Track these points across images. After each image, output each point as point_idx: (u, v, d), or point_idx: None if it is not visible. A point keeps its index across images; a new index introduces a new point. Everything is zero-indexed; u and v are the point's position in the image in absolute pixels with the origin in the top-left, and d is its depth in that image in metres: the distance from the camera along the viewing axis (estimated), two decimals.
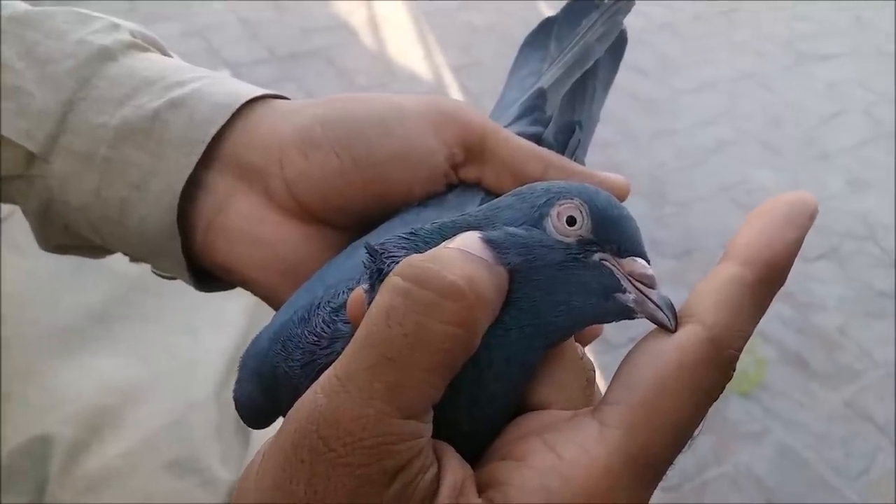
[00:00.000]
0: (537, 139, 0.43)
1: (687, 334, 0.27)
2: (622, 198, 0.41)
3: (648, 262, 0.31)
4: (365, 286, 0.31)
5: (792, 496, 1.62)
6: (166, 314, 0.68)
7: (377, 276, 0.30)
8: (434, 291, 0.25)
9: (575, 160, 0.44)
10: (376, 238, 0.36)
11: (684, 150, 2.53)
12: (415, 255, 0.27)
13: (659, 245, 2.14)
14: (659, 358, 0.27)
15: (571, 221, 0.30)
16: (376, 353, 0.25)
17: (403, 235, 0.32)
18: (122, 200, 0.39)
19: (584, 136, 0.46)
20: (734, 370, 0.27)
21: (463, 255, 0.27)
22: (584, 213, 0.31)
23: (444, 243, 0.29)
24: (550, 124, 0.44)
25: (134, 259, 0.44)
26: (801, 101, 2.84)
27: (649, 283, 0.30)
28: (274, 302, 0.40)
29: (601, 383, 0.31)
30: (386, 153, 0.40)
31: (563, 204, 0.31)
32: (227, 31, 2.87)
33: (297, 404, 0.26)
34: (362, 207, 0.40)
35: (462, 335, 0.26)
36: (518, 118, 0.45)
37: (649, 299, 0.29)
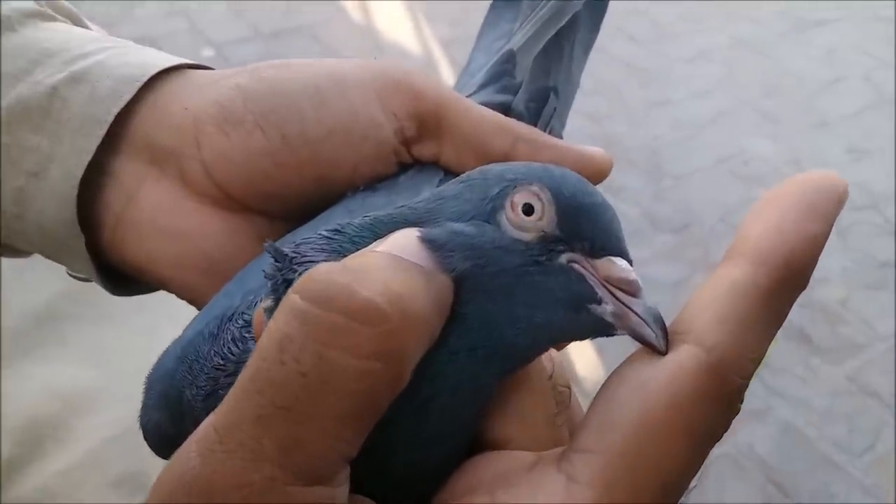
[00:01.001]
0: (505, 109, 0.38)
1: (681, 359, 0.22)
2: (603, 175, 0.37)
3: (630, 262, 0.26)
4: (268, 303, 0.25)
5: (795, 475, 1.60)
6: (122, 313, 0.62)
7: (283, 290, 0.25)
8: (343, 314, 0.20)
9: (550, 132, 0.39)
10: (309, 231, 0.31)
11: (680, 121, 2.49)
12: (324, 263, 0.22)
13: (656, 220, 2.10)
14: (644, 390, 0.22)
15: (529, 210, 0.25)
16: (265, 399, 0.20)
17: (325, 233, 0.27)
18: (18, 191, 0.34)
19: (561, 105, 0.40)
20: (741, 403, 0.22)
21: (391, 261, 0.22)
22: (545, 202, 0.25)
23: (371, 245, 0.24)
24: (520, 91, 0.39)
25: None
26: (799, 68, 2.79)
27: (631, 289, 0.25)
28: (200, 305, 0.35)
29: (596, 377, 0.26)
30: (322, 128, 0.35)
31: (519, 192, 0.26)
32: (211, 10, 2.81)
33: (168, 462, 0.20)
34: (298, 193, 0.35)
35: (383, 371, 0.20)
36: (483, 86, 0.39)
37: (632, 311, 0.24)
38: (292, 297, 0.21)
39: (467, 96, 0.38)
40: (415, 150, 0.37)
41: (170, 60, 0.36)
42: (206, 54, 2.54)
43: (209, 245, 0.36)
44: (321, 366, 0.19)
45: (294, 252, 0.26)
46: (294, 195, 0.36)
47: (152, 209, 0.35)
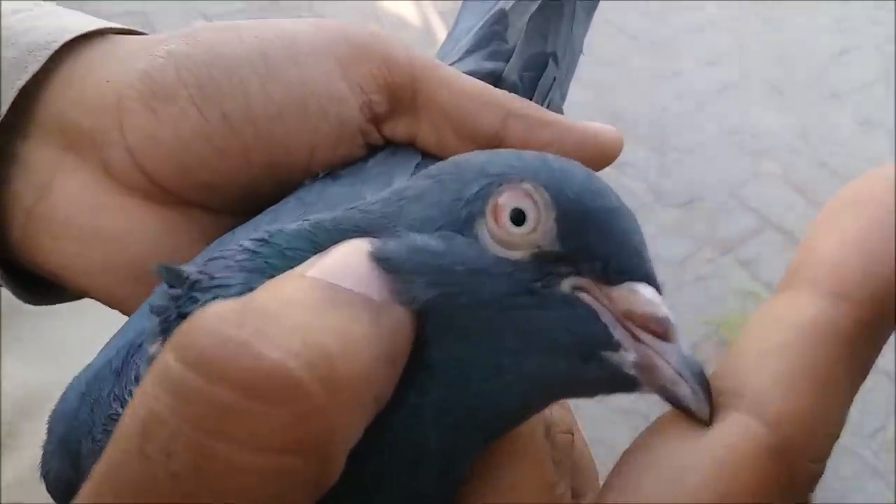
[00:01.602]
0: (495, 78, 0.33)
1: (732, 436, 0.16)
2: (612, 158, 0.31)
3: (659, 289, 0.20)
4: (156, 347, 0.20)
5: None
6: (87, 306, 0.57)
7: (165, 331, 0.20)
8: (237, 388, 0.14)
9: (548, 106, 0.33)
10: (247, 233, 0.25)
11: (686, 93, 2.44)
12: (219, 304, 0.16)
13: (661, 194, 2.06)
14: (681, 485, 0.16)
15: (519, 218, 0.20)
16: None
17: (248, 245, 0.21)
18: None
19: (561, 73, 0.35)
20: (813, 491, 0.16)
21: (321, 294, 0.17)
22: (541, 206, 0.20)
23: (301, 266, 0.18)
24: (513, 57, 0.33)
25: None
26: (808, 38, 2.73)
27: (661, 330, 0.19)
28: None
29: None
30: (271, 104, 0.29)
31: (504, 192, 0.20)
32: None
33: None
34: (245, 183, 0.30)
35: (300, 467, 0.15)
36: (469, 51, 0.34)
37: (663, 361, 0.19)
38: (166, 359, 0.15)
39: (451, 64, 0.33)
40: (386, 128, 0.32)
41: (90, 24, 0.31)
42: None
43: (139, 247, 0.30)
44: (202, 464, 0.14)
45: (200, 273, 0.20)
46: (240, 185, 0.30)
47: (68, 205, 0.30)
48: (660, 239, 1.90)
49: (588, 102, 2.26)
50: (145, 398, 0.15)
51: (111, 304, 0.31)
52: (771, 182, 2.13)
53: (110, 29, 0.31)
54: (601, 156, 0.31)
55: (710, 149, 2.25)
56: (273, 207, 0.29)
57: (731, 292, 1.82)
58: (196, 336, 0.15)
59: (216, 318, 0.16)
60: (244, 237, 0.22)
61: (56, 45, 0.29)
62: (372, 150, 0.32)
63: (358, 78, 0.31)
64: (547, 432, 0.21)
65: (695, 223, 1.98)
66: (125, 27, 0.32)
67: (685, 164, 2.19)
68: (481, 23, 0.34)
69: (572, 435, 0.22)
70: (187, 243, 0.31)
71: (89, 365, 0.26)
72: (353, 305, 0.17)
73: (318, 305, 0.17)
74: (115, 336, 0.27)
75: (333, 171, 0.31)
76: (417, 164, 0.31)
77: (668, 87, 2.47)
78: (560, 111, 0.35)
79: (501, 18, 0.33)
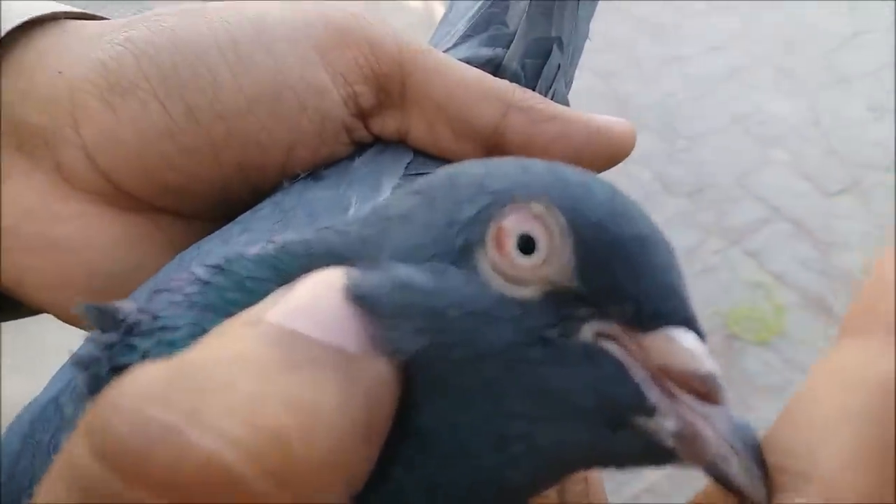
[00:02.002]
0: (495, 66, 0.30)
1: None
2: (624, 155, 0.29)
3: (702, 336, 0.17)
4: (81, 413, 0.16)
5: None
6: None
7: (94, 390, 0.17)
8: (157, 491, 0.12)
9: (553, 97, 0.31)
10: (216, 245, 0.23)
11: (694, 79, 2.41)
12: (146, 369, 0.13)
13: (668, 183, 2.03)
14: None
15: (528, 247, 0.17)
16: None
17: (200, 274, 0.18)
18: None
19: (567, 60, 0.32)
20: None
21: (280, 348, 0.14)
22: (556, 232, 0.17)
23: (260, 305, 0.16)
24: (514, 43, 0.30)
25: None
26: (818, 22, 2.70)
27: (707, 391, 0.16)
28: None
29: None
30: (242, 97, 0.27)
31: (509, 214, 0.17)
32: None
33: None
34: (217, 184, 0.28)
35: None
36: (466, 36, 0.31)
37: (709, 431, 0.16)
38: (74, 447, 0.12)
39: (445, 50, 0.30)
40: (374, 123, 0.29)
41: (41, 7, 0.27)
42: None
43: (100, 259, 0.28)
44: None
45: (140, 312, 0.17)
46: (211, 188, 0.28)
47: (19, 212, 0.27)
48: (667, 229, 1.83)
49: (592, 89, 2.23)
50: (49, 492, 0.12)
51: (71, 321, 0.28)
52: (780, 170, 2.11)
53: (65, 13, 0.29)
54: (612, 152, 0.29)
55: (718, 136, 2.22)
56: (246, 214, 0.27)
57: (739, 283, 1.80)
58: (110, 418, 0.12)
59: (136, 392, 0.13)
60: (210, 252, 0.20)
61: (1, 32, 0.27)
62: (358, 148, 0.29)
63: (340, 67, 0.28)
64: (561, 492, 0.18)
65: (702, 212, 1.95)
66: (82, 11, 0.29)
67: (692, 151, 2.16)
68: (478, 4, 0.31)
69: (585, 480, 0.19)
70: (154, 254, 0.28)
71: (36, 399, 0.24)
72: (321, 363, 0.14)
73: (273, 366, 0.14)
74: (62, 367, 0.25)
75: (315, 171, 0.28)
76: (409, 163, 0.28)
77: (674, 72, 2.44)
78: (566, 102, 0.32)
79: (501, 0, 0.31)
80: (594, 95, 2.19)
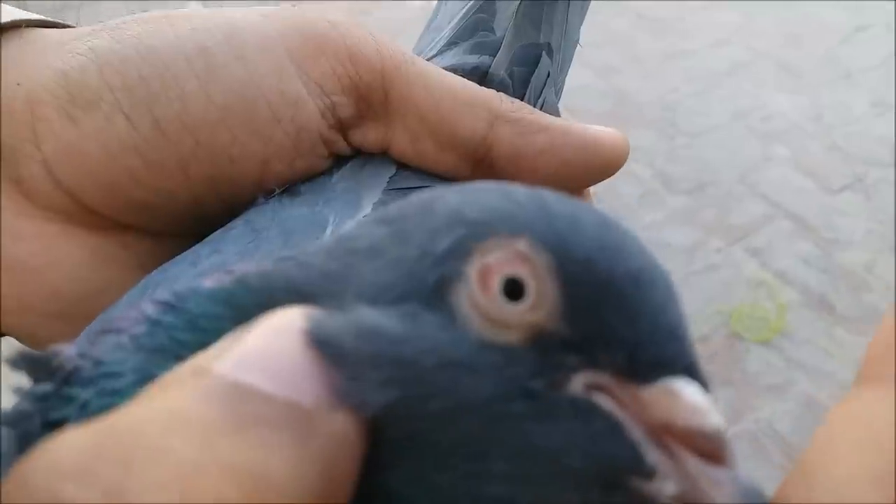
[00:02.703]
0: (481, 75, 0.29)
1: None
2: (616, 168, 0.28)
3: (706, 385, 0.16)
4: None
5: None
6: None
7: (24, 451, 0.15)
8: None
9: (542, 107, 0.30)
10: (183, 268, 0.22)
11: (695, 74, 2.40)
12: (67, 436, 0.12)
13: (669, 180, 2.02)
14: None
15: (514, 290, 0.16)
16: None
17: (149, 312, 0.17)
18: None
19: (556, 68, 0.31)
20: None
21: (227, 405, 0.13)
22: (541, 272, 0.16)
23: (208, 353, 0.14)
24: (501, 50, 0.29)
25: None
26: (821, 16, 2.68)
27: (712, 450, 0.15)
28: None
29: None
30: (213, 108, 0.26)
31: (493, 251, 0.16)
32: None
33: None
34: (187, 201, 0.27)
35: None
36: (452, 44, 0.30)
37: (716, 496, 0.15)
38: None
39: (429, 58, 0.29)
40: (354, 135, 0.28)
41: (2, 15, 0.26)
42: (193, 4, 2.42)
43: (63, 281, 0.27)
44: None
45: (81, 357, 0.16)
46: (181, 204, 0.27)
47: None
48: (667, 227, 1.87)
49: (591, 85, 2.22)
50: None
51: (34, 345, 0.28)
52: (782, 166, 2.10)
53: (26, 21, 0.27)
54: (604, 165, 0.28)
55: (720, 132, 2.21)
56: (216, 234, 0.25)
57: (741, 282, 1.78)
58: (21, 497, 0.11)
59: (50, 466, 0.11)
60: (175, 274, 0.19)
61: None
62: (337, 162, 0.28)
63: (317, 76, 0.27)
64: None
65: (704, 210, 1.94)
66: (45, 19, 0.28)
67: (694, 148, 2.15)
68: (464, 10, 0.30)
69: None
70: (121, 275, 0.27)
71: None
72: (270, 421, 0.13)
73: (216, 427, 0.12)
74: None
75: (291, 187, 0.27)
76: (391, 178, 0.27)
77: (675, 67, 2.43)
78: (556, 112, 0.31)
79: (487, 5, 0.30)
80: (592, 92, 2.18)
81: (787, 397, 1.60)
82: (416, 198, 0.18)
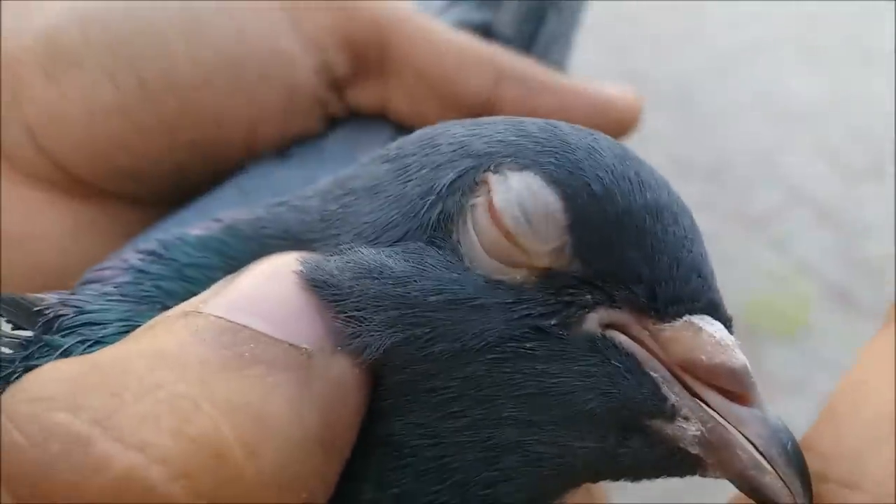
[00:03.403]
0: (485, 31, 0.28)
1: None
2: (629, 127, 0.28)
3: (729, 324, 0.17)
4: None
5: None
6: None
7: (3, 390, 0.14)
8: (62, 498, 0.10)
9: (550, 65, 0.30)
10: (173, 228, 0.21)
11: (713, 55, 2.39)
12: (54, 366, 0.12)
13: (685, 166, 2.00)
14: None
15: (521, 222, 0.15)
16: None
17: (134, 262, 0.16)
18: None
19: (564, 23, 0.30)
20: None
21: (222, 342, 0.13)
22: (552, 205, 0.15)
23: (201, 296, 0.14)
24: (507, 6, 0.29)
25: None
26: None
27: (738, 389, 0.16)
28: None
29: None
30: (200, 68, 0.25)
31: (500, 182, 0.15)
32: None
33: None
34: (173, 166, 0.27)
35: None
36: (454, 0, 0.29)
37: (741, 437, 0.15)
38: None
39: (432, 15, 0.29)
40: (350, 94, 0.28)
41: None
42: None
43: (47, 251, 0.27)
44: None
45: (63, 305, 0.16)
46: (167, 170, 0.27)
47: None
48: None
49: (605, 65, 2.20)
50: None
51: None
52: (802, 152, 2.07)
53: None
54: (617, 126, 0.28)
55: (738, 116, 2.19)
56: (203, 198, 0.25)
57: (759, 272, 1.75)
58: (9, 430, 0.11)
59: (37, 394, 0.12)
60: (170, 234, 0.18)
61: None
62: (332, 124, 0.27)
63: (310, 32, 0.26)
64: None
65: (722, 197, 1.92)
66: None
67: (711, 132, 2.14)
68: None
69: None
70: (105, 244, 0.26)
71: None
72: (271, 361, 0.13)
73: (211, 364, 0.13)
74: None
75: (284, 149, 0.26)
76: (390, 140, 0.26)
77: (692, 48, 2.42)
78: (565, 70, 0.31)
79: None
80: (605, 72, 2.15)
81: (805, 394, 1.56)
82: (419, 133, 0.16)
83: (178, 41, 0.25)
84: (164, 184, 0.27)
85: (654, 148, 1.99)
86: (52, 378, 0.12)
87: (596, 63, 2.21)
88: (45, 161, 0.27)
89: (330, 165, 0.24)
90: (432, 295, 0.15)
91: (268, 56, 0.26)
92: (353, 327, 0.15)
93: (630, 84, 0.30)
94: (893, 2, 2.64)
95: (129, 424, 0.12)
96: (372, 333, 0.15)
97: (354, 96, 0.28)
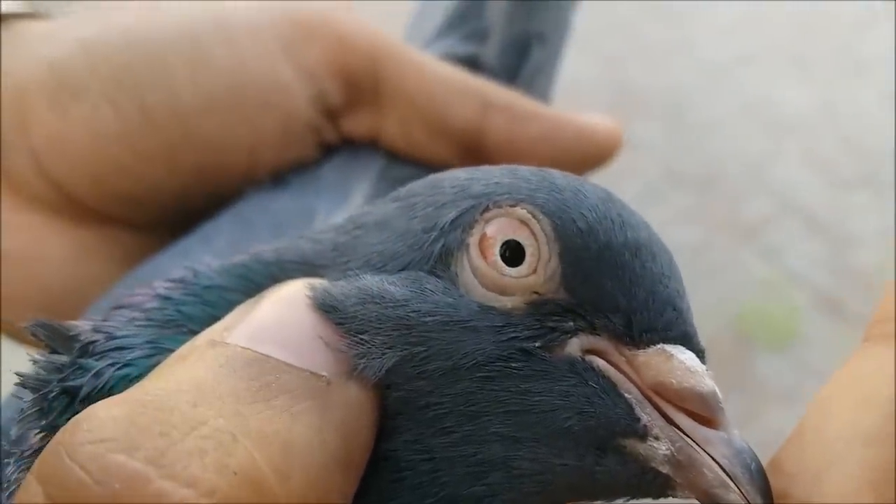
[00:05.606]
0: (472, 63, 0.29)
1: None
2: (609, 157, 0.29)
3: (701, 354, 0.18)
4: (34, 440, 0.16)
5: None
6: None
7: (61, 414, 0.16)
8: None
9: (534, 96, 0.31)
10: (173, 260, 0.22)
11: (703, 65, 2.39)
12: (102, 407, 0.14)
13: (676, 176, 2.01)
14: None
15: (514, 254, 0.17)
16: None
17: (160, 290, 0.18)
18: None
19: (548, 56, 0.31)
20: None
21: (247, 374, 0.14)
22: (542, 239, 0.17)
23: (222, 323, 0.16)
24: (492, 40, 0.29)
25: None
26: (833, 5, 2.65)
27: (706, 412, 0.17)
28: None
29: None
30: (201, 95, 0.26)
31: (494, 219, 0.17)
32: None
33: None
34: (174, 192, 0.28)
35: None
36: (442, 33, 0.30)
37: (707, 457, 0.16)
38: (31, 495, 0.12)
39: (420, 47, 0.31)
40: (344, 123, 0.29)
41: None
42: None
43: (50, 272, 0.28)
44: None
45: (94, 332, 0.17)
46: (168, 196, 0.28)
47: None
48: (673, 225, 1.85)
49: (595, 76, 2.21)
50: None
51: (21, 341, 0.28)
52: (792, 162, 2.08)
53: (13, 14, 0.28)
54: (598, 154, 0.29)
55: (728, 126, 2.19)
56: (205, 226, 0.25)
57: (749, 282, 1.77)
58: (67, 465, 0.12)
59: (95, 434, 0.13)
60: (166, 266, 0.20)
61: None
62: (327, 151, 0.28)
63: (306, 63, 0.27)
64: None
65: (712, 207, 1.92)
66: (32, 11, 0.28)
67: (702, 142, 2.14)
68: None
69: None
70: (107, 269, 0.27)
71: None
72: (293, 391, 0.14)
73: (242, 396, 0.14)
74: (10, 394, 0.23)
75: (281, 176, 0.27)
76: (382, 168, 0.27)
77: (683, 59, 2.42)
78: (548, 101, 0.32)
79: None
80: (596, 83, 2.16)
81: (797, 404, 1.57)
82: (427, 178, 0.17)
83: (180, 69, 0.26)
84: (165, 209, 0.28)
85: (645, 158, 1.98)
86: (107, 418, 0.14)
87: (587, 74, 2.20)
88: (48, 186, 0.27)
89: (325, 194, 0.26)
90: (428, 316, 0.16)
91: (266, 85, 0.27)
92: (357, 349, 0.16)
93: (620, 95, 0.30)
94: (883, 13, 2.66)
95: (179, 461, 0.13)
96: (374, 354, 0.16)
97: (348, 124, 0.29)
